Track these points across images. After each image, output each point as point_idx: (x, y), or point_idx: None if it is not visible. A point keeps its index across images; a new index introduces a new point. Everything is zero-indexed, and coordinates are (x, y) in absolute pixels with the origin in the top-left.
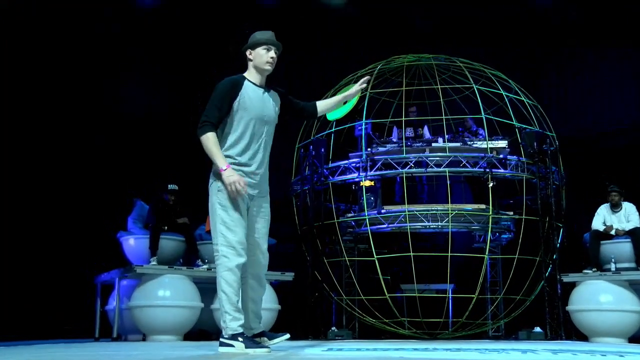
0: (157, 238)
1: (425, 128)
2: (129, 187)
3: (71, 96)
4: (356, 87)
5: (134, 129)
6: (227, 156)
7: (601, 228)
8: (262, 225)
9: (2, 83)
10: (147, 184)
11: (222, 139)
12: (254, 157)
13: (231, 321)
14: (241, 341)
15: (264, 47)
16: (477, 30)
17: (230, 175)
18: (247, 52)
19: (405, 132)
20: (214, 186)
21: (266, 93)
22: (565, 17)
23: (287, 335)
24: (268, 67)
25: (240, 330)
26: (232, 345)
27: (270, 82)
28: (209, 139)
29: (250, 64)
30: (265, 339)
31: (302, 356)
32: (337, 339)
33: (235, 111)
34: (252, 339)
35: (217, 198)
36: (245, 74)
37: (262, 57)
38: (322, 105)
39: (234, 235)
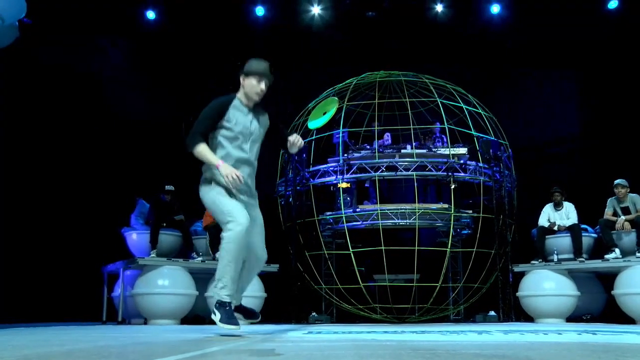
0: (157, 233)
1: (387, 135)
2: (131, 188)
3: (85, 111)
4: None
5: (135, 137)
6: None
7: (546, 224)
8: (258, 231)
9: (33, 94)
10: (147, 185)
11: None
12: (239, 169)
13: (221, 289)
14: (221, 312)
15: (257, 77)
16: (441, 50)
17: (225, 167)
18: (241, 78)
19: (375, 143)
20: (205, 188)
21: (252, 113)
22: (516, 42)
23: (257, 319)
24: (256, 98)
25: (226, 299)
26: (215, 314)
27: (260, 103)
28: (201, 147)
29: (242, 88)
30: (241, 315)
31: (285, 338)
32: (317, 323)
33: (222, 127)
34: (231, 314)
35: (213, 193)
36: (238, 94)
37: (253, 87)
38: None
39: (230, 206)
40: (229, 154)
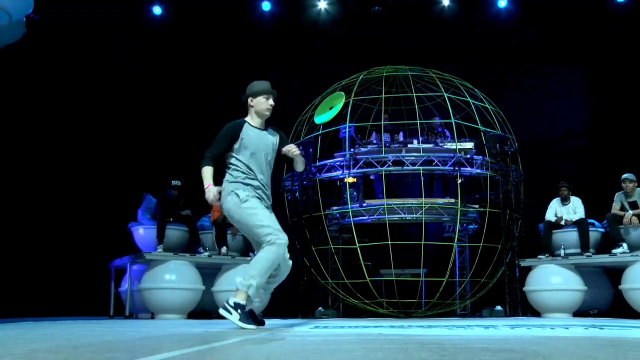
0: (164, 228)
1: (401, 134)
2: (138, 184)
3: (92, 107)
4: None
5: (141, 132)
6: (244, 183)
7: (553, 219)
8: None
9: (45, 92)
10: (154, 180)
11: (235, 171)
12: (259, 180)
13: (249, 287)
14: (240, 314)
15: (264, 96)
16: (447, 45)
17: (207, 191)
18: (249, 100)
19: (383, 137)
20: (231, 201)
21: (264, 132)
22: (523, 37)
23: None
24: (268, 114)
25: (243, 302)
26: (230, 313)
27: (270, 123)
28: (205, 169)
29: (251, 109)
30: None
31: (291, 332)
32: (323, 317)
33: (239, 149)
34: (248, 315)
35: (243, 210)
36: (247, 118)
37: (262, 104)
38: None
39: (269, 220)
40: (247, 175)
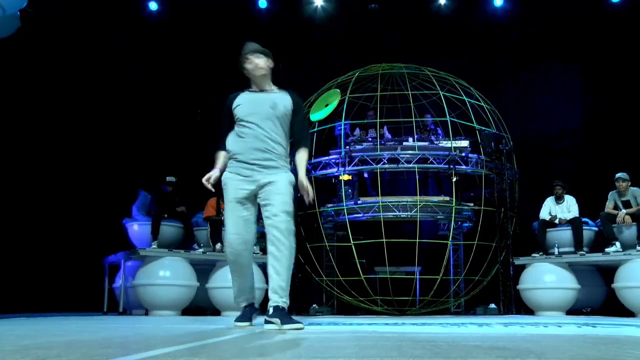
0: (158, 224)
1: (385, 128)
2: (133, 180)
3: (87, 102)
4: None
5: (136, 128)
6: (230, 156)
7: (547, 217)
8: (274, 198)
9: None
10: (149, 176)
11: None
12: (246, 147)
13: (235, 298)
14: (238, 316)
15: (252, 55)
16: (444, 43)
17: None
18: (244, 65)
19: (369, 133)
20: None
21: (265, 94)
22: (521, 36)
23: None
24: (258, 73)
25: (242, 304)
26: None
27: (281, 86)
28: (218, 154)
29: (249, 76)
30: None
31: (284, 329)
32: (317, 314)
33: (235, 116)
34: (243, 314)
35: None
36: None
37: (249, 65)
38: (297, 158)
39: (228, 224)
40: (238, 135)
